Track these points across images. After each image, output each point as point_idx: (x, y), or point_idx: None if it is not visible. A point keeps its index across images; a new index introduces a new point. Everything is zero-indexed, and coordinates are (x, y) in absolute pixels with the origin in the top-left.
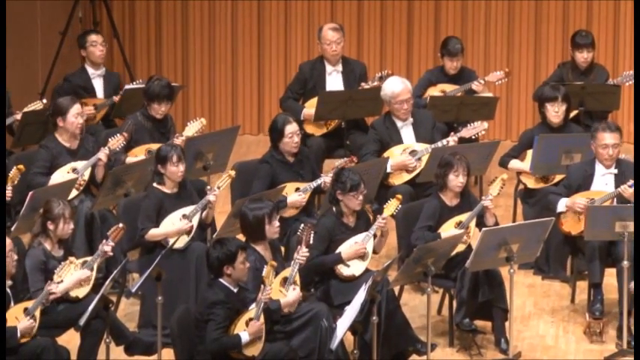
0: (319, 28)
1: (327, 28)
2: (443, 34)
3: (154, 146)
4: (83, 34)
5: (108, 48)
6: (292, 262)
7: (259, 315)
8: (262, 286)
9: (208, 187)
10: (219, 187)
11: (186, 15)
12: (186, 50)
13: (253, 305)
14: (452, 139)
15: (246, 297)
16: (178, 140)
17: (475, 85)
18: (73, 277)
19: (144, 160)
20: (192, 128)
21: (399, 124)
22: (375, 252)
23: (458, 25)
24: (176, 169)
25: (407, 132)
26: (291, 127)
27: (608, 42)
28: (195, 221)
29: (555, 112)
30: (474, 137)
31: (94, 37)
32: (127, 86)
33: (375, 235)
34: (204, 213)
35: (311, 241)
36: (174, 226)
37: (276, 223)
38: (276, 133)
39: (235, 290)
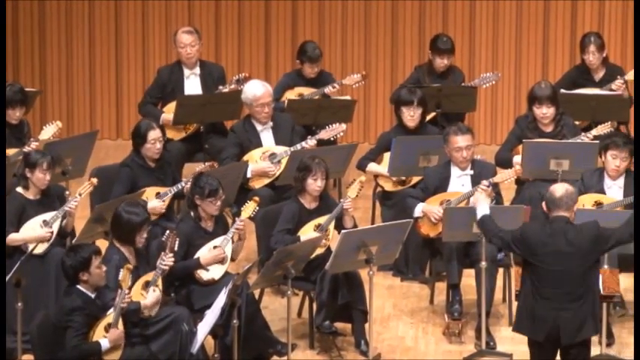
0: (174, 32)
1: (181, 31)
2: (300, 36)
3: (11, 152)
4: None
5: None
6: (156, 268)
7: (117, 320)
8: (119, 290)
9: (67, 193)
10: (80, 195)
11: (43, 19)
12: (44, 54)
13: (112, 310)
14: (310, 142)
15: (105, 302)
16: (33, 145)
17: (329, 89)
18: None
19: None
20: (48, 132)
21: (258, 127)
22: (232, 259)
23: (315, 28)
24: (43, 177)
25: (267, 135)
26: (154, 134)
27: (464, 43)
28: (55, 227)
29: (411, 115)
30: (332, 139)
31: None
32: None
33: (232, 239)
34: (64, 221)
35: (175, 247)
36: (35, 232)
37: (145, 234)
38: (138, 138)
39: (93, 296)
